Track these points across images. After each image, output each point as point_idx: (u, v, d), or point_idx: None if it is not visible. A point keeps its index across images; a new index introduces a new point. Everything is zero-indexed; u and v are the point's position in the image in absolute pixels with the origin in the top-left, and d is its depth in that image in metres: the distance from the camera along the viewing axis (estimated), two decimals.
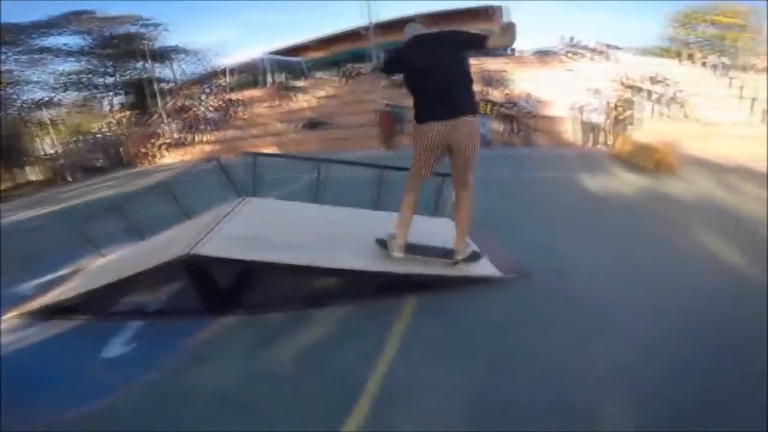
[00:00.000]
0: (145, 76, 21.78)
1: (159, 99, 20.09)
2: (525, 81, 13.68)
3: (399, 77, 12.67)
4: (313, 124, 15.14)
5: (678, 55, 18.15)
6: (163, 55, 22.65)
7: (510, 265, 3.25)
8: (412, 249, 3.00)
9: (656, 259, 3.43)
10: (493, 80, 13.89)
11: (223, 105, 18.79)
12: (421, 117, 2.71)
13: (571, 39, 16.67)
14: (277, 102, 18.22)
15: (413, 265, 3.01)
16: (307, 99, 17.77)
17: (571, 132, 11.03)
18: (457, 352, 2.34)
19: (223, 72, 21.99)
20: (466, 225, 2.96)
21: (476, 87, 11.27)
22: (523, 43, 21.64)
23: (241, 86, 22.08)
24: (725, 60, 14.79)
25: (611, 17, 32.30)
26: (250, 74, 22.69)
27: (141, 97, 21.62)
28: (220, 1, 29.17)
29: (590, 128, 10.46)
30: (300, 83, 20.07)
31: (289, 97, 18.13)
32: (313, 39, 24.30)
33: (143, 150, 16.68)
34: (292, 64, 23.04)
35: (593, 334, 2.37)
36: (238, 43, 36.67)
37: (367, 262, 2.97)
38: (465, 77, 2.72)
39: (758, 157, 7.93)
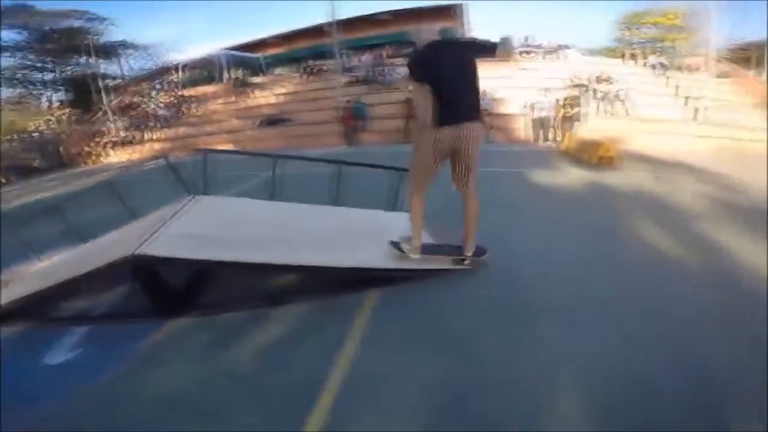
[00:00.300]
0: (89, 72, 20.47)
1: (104, 96, 18.97)
2: (481, 79, 14.10)
3: (360, 73, 12.72)
4: (271, 121, 14.90)
5: (622, 55, 19.43)
6: (109, 50, 21.41)
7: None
8: (425, 249, 3.14)
9: (597, 246, 3.72)
10: None
11: (175, 102, 18.05)
12: (444, 119, 2.77)
13: (526, 38, 17.30)
14: (233, 98, 17.74)
15: (371, 259, 3.10)
16: (265, 95, 17.44)
17: (524, 129, 11.57)
18: (418, 344, 2.40)
19: (176, 68, 21.10)
20: (473, 225, 3.10)
21: None
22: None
23: (194, 82, 21.29)
24: (663, 60, 15.99)
25: (565, 18, 33.88)
26: (204, 70, 21.93)
27: (84, 93, 20.31)
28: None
29: (540, 125, 11.02)
30: (258, 79, 19.66)
31: (245, 94, 17.71)
32: (272, 35, 23.81)
33: (86, 149, 15.74)
34: (249, 60, 22.48)
35: (549, 319, 2.52)
36: (194, 38, 35.16)
37: (325, 258, 3.00)
38: (474, 84, 2.89)
39: (692, 153, 8.72)
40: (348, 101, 12.74)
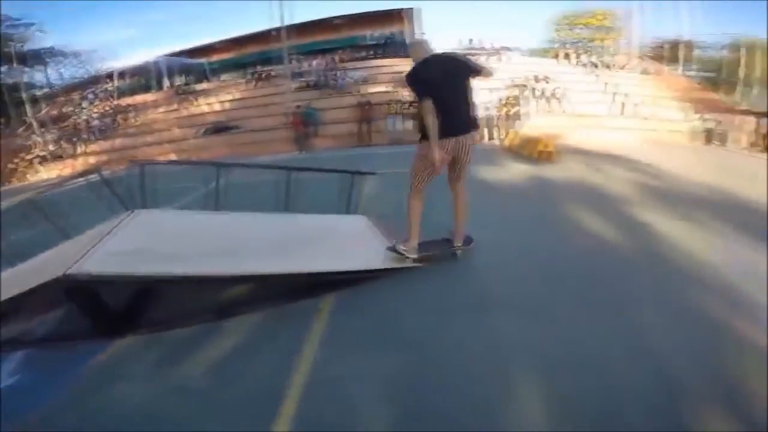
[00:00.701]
0: (11, 81, 18.75)
1: (29, 107, 17.48)
2: None
3: (311, 78, 12.63)
4: (218, 129, 14.42)
5: (556, 55, 20.73)
6: (35, 58, 19.69)
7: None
8: (420, 248, 3.32)
9: (538, 233, 4.05)
10: (402, 81, 14.44)
11: (110, 111, 16.99)
12: (447, 131, 3.00)
13: (470, 41, 17.92)
14: (174, 106, 16.99)
15: (325, 264, 3.10)
16: (209, 102, 16.86)
17: None
18: (377, 344, 2.44)
19: (110, 75, 19.85)
20: (463, 218, 3.43)
21: (387, 88, 11.86)
22: (432, 46, 23.18)
23: (133, 91, 20.13)
24: (593, 59, 17.27)
25: (509, 20, 35.57)
26: (143, 77, 20.81)
27: (6, 105, 18.60)
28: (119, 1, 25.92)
29: (485, 124, 11.52)
30: (202, 86, 18.97)
31: (189, 101, 17.03)
32: (219, 40, 23.04)
33: (10, 166, 14.43)
34: (192, 66, 21.61)
35: (502, 312, 2.65)
36: (137, 44, 32.88)
37: (276, 266, 2.98)
38: (469, 97, 3.17)
39: (620, 144, 9.51)
40: (298, 106, 12.60)
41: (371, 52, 20.37)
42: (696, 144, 10.98)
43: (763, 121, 10.49)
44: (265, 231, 3.72)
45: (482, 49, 17.43)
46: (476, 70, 3.26)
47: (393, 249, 3.28)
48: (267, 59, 18.69)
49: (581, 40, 23.21)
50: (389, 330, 2.59)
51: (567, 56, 19.92)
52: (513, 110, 11.32)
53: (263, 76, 17.45)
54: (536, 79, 13.89)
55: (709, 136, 11.12)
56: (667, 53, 16.94)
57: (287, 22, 15.27)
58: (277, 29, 15.24)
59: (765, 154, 9.49)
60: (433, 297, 2.94)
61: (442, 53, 3.46)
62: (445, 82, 3.03)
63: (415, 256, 3.28)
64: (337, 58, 18.29)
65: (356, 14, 22.69)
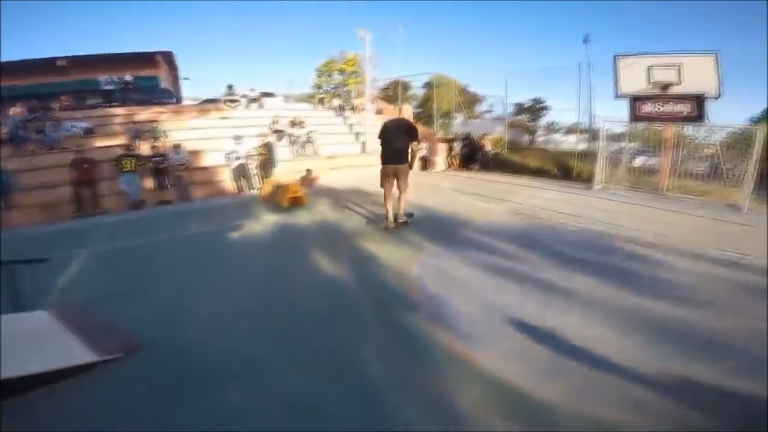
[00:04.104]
0: None
1: None
2: (181, 131, 13.62)
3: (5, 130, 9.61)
4: None
5: (314, 99, 23.23)
6: None
7: (122, 342, 3.32)
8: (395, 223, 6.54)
9: (274, 293, 4.37)
10: (141, 132, 12.99)
11: None
12: (387, 161, 6.38)
13: (230, 87, 17.44)
14: None
15: None
16: None
17: (227, 180, 11.91)
18: None
19: None
20: (404, 204, 6.60)
21: (124, 141, 10.57)
22: (192, 93, 22.51)
23: None
24: (341, 102, 20.13)
25: (274, 67, 37.65)
26: None
27: None
28: None
29: (240, 175, 11.69)
30: None
31: None
32: None
33: None
34: None
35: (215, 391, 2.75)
36: None
37: None
38: (405, 144, 6.32)
39: (362, 180, 11.26)
40: None
41: (104, 100, 17.77)
42: (419, 171, 14.15)
43: (454, 144, 14.54)
44: None
45: (243, 96, 17.49)
46: (413, 137, 6.37)
47: (380, 221, 6.54)
48: None
49: (337, 85, 26.77)
50: None
51: (321, 101, 22.61)
52: (265, 157, 11.87)
53: None
54: (292, 124, 15.02)
55: (424, 163, 14.52)
56: (391, 93, 21.42)
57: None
58: None
59: (458, 172, 13.15)
60: (124, 395, 2.81)
61: (404, 118, 6.83)
62: (394, 134, 6.30)
63: (393, 225, 6.39)
64: (58, 105, 15.28)
65: (90, 56, 20.55)
